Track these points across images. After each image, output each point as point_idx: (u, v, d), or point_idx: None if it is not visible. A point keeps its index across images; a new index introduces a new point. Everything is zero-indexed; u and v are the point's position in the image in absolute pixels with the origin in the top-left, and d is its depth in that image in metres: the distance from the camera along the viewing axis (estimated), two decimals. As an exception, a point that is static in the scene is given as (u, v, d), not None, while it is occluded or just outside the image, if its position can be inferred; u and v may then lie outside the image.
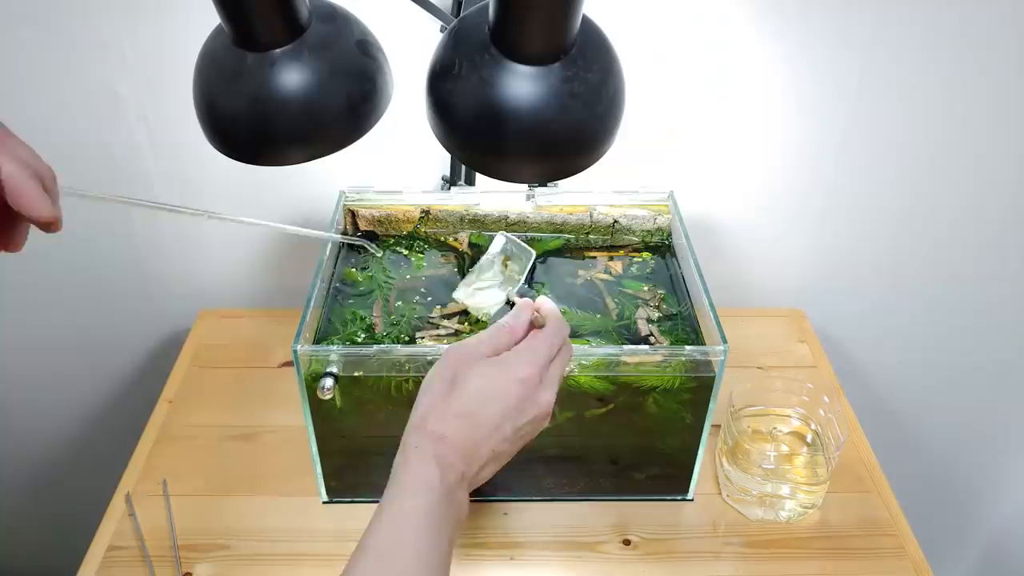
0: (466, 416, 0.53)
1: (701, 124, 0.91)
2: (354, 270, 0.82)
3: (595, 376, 0.70)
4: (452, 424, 0.53)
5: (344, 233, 0.86)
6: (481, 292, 0.77)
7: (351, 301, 0.78)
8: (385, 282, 0.80)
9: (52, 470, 1.22)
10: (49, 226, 0.45)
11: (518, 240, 0.79)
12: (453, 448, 0.52)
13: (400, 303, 0.78)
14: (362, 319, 0.76)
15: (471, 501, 0.79)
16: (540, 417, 0.56)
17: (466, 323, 0.75)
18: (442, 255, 0.85)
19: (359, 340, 0.73)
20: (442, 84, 0.53)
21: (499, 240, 0.80)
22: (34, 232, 1.01)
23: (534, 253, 0.77)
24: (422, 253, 0.84)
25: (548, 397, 0.56)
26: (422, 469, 0.51)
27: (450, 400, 0.54)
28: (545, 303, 0.61)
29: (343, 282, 0.80)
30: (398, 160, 0.92)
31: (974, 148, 0.93)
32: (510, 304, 0.73)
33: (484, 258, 0.80)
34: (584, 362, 0.70)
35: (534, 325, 0.59)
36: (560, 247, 0.86)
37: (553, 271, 0.83)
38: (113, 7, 0.82)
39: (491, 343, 0.57)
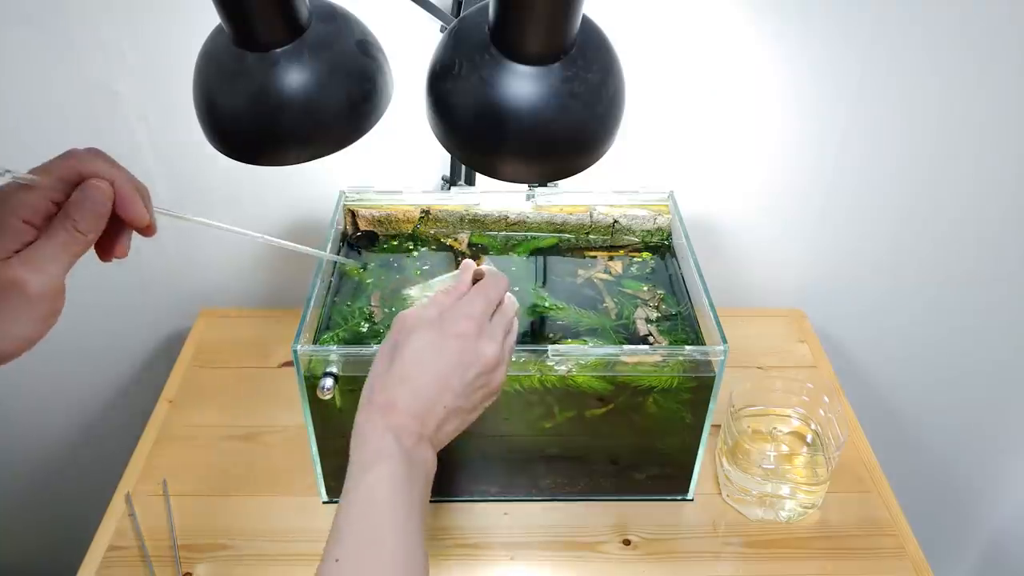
0: (409, 379, 0.54)
1: (701, 124, 0.91)
2: (357, 267, 0.82)
3: (594, 376, 0.70)
4: (397, 391, 0.53)
5: (344, 232, 0.86)
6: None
7: (349, 304, 0.78)
8: (383, 277, 0.80)
9: (52, 470, 1.22)
10: (147, 230, 0.55)
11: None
12: (404, 413, 0.53)
13: (403, 294, 0.78)
14: (361, 311, 0.76)
15: (472, 502, 0.79)
16: (488, 369, 0.56)
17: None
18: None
19: (362, 330, 0.73)
20: (442, 84, 0.53)
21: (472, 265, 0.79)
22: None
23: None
24: (418, 267, 0.84)
25: (492, 349, 0.56)
26: (377, 441, 0.52)
27: (393, 367, 0.54)
28: (483, 264, 0.62)
29: (342, 280, 0.80)
30: (398, 160, 0.92)
31: (974, 148, 0.93)
32: None
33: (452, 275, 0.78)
34: (583, 362, 0.70)
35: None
36: (554, 245, 0.85)
37: (552, 270, 0.83)
38: (113, 7, 0.82)
39: (434, 307, 0.58)
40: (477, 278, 0.61)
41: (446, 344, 0.54)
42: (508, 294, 0.61)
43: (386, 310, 0.76)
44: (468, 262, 0.62)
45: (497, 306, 0.59)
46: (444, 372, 0.54)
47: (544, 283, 0.81)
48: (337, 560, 0.48)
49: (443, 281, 0.78)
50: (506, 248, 0.85)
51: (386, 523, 0.49)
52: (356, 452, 0.53)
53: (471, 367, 0.55)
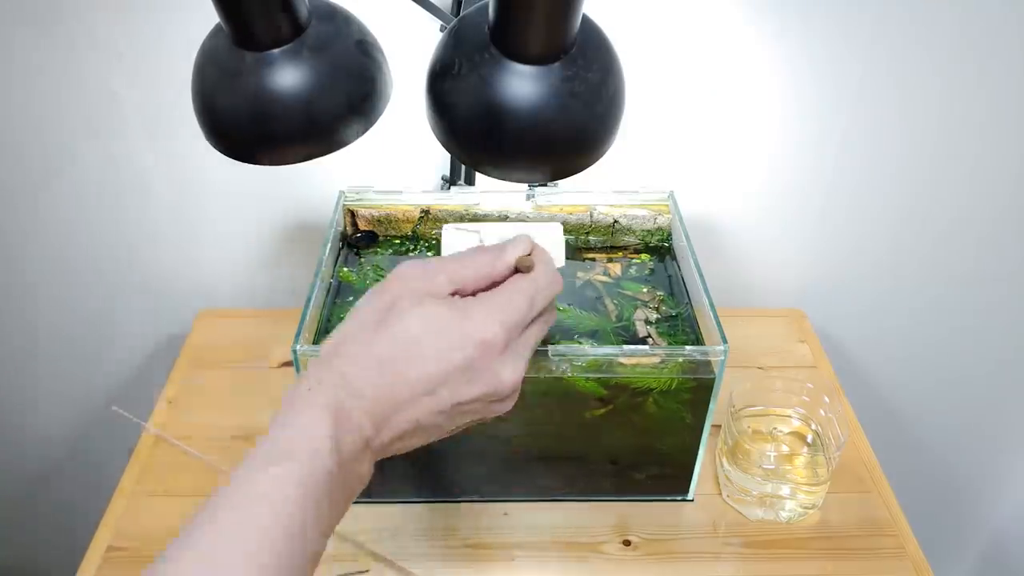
0: (391, 363, 0.40)
1: (701, 124, 0.91)
2: (349, 271, 0.82)
3: (594, 377, 0.70)
4: (370, 370, 0.40)
5: (344, 233, 0.86)
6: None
7: (351, 299, 0.78)
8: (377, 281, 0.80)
9: (51, 470, 1.22)
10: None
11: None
12: (361, 401, 0.39)
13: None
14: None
15: (472, 502, 0.79)
16: (496, 395, 0.42)
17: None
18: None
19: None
20: (442, 84, 0.53)
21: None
22: (28, 232, 1.01)
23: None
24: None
25: (511, 374, 0.42)
26: (311, 423, 0.38)
27: (377, 336, 0.40)
28: (541, 250, 0.46)
29: (343, 283, 0.80)
30: (397, 160, 0.92)
31: (974, 147, 0.93)
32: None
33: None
34: (582, 363, 0.70)
35: (519, 269, 0.45)
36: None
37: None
38: (110, 6, 0.82)
39: (455, 272, 0.43)
40: (523, 267, 0.45)
41: (460, 344, 0.40)
42: (554, 303, 0.47)
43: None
44: (524, 237, 0.46)
45: (538, 315, 0.44)
46: (439, 377, 0.40)
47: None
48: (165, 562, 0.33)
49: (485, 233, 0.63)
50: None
51: (264, 549, 0.34)
52: (278, 419, 0.39)
53: (474, 384, 0.41)
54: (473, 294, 0.44)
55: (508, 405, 0.44)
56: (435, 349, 0.40)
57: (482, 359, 0.41)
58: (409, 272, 0.43)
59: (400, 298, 0.42)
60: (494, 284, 0.45)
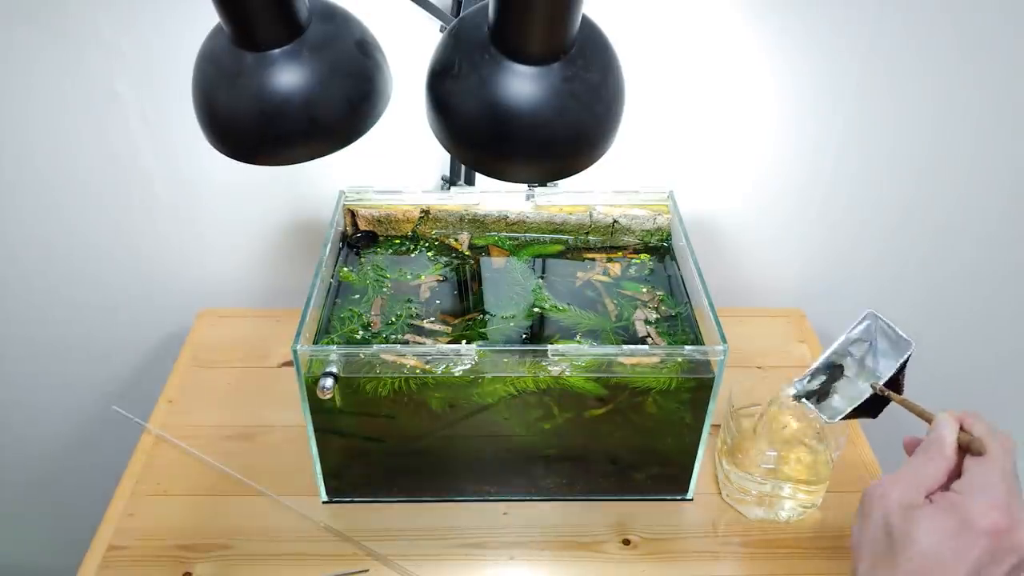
0: None
1: (700, 124, 0.91)
2: (349, 271, 0.82)
3: (594, 377, 0.70)
4: None
5: (344, 232, 0.86)
6: (837, 392, 0.69)
7: (356, 296, 0.78)
8: (378, 280, 0.80)
9: (52, 469, 1.22)
10: None
11: (892, 327, 0.65)
12: None
13: (409, 303, 0.78)
14: (360, 316, 0.76)
15: (471, 502, 0.79)
16: (1021, 557, 0.46)
17: (450, 327, 0.75)
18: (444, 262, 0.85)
19: (356, 338, 0.73)
20: (442, 84, 0.53)
21: (864, 325, 0.67)
22: (30, 232, 1.01)
23: (912, 344, 0.64)
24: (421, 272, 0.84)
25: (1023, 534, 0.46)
26: None
27: (898, 560, 0.46)
28: (968, 417, 0.53)
29: (342, 283, 0.80)
30: (398, 160, 0.92)
31: (972, 147, 0.93)
32: (873, 400, 0.66)
33: (836, 347, 0.68)
34: (582, 363, 0.70)
35: (965, 449, 0.51)
36: (558, 252, 0.85)
37: (552, 271, 0.83)
38: (113, 6, 0.82)
39: (924, 479, 0.49)
40: (972, 448, 0.51)
41: (974, 543, 0.45)
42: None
43: (391, 320, 0.76)
44: (943, 418, 0.53)
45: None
46: (970, 574, 0.45)
47: (543, 284, 0.81)
48: None
49: (832, 367, 0.68)
50: (512, 251, 0.85)
51: None
52: None
53: (1002, 564, 0.46)
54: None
55: None
56: (953, 553, 0.45)
57: (996, 546, 0.46)
58: (887, 490, 0.49)
59: (894, 514, 0.48)
60: (949, 471, 0.51)
